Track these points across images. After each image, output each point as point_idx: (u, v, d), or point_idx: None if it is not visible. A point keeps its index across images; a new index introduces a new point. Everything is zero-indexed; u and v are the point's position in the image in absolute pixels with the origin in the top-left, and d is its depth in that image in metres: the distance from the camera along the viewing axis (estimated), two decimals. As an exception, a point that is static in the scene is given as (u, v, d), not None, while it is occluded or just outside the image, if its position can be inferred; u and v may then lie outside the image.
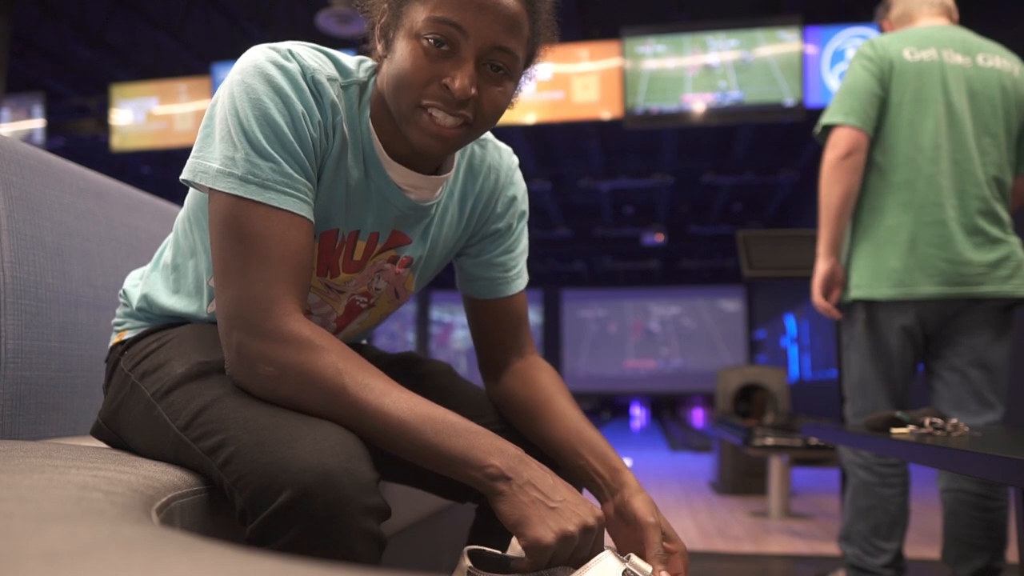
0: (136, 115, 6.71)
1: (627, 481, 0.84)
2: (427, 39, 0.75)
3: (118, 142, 6.78)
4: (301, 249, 0.75)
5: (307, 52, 0.80)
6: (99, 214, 1.23)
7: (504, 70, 0.79)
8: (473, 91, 0.76)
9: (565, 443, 0.88)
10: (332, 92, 0.80)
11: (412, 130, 0.79)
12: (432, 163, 0.88)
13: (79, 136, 7.57)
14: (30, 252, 1.06)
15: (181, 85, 6.65)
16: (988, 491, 1.71)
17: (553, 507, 0.68)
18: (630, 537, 0.81)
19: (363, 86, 0.84)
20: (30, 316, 1.05)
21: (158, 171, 9.05)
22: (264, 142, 0.74)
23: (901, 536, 1.82)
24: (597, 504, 0.78)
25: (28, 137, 7.03)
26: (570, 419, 0.90)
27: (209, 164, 0.75)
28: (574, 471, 0.87)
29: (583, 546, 0.69)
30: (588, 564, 0.66)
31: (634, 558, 0.69)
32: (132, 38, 6.70)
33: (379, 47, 0.82)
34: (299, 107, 0.76)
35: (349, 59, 0.85)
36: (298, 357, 0.71)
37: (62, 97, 7.59)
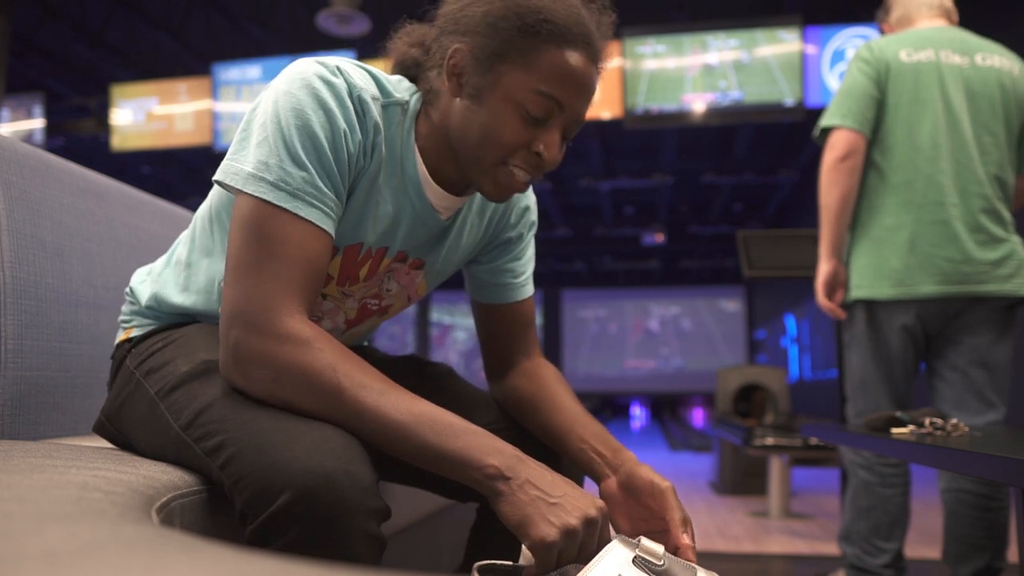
0: (136, 115, 6.71)
1: (629, 457, 0.85)
2: (528, 110, 0.80)
3: (118, 142, 6.78)
4: (317, 259, 0.76)
5: (354, 70, 0.80)
6: (99, 214, 1.23)
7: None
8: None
9: (567, 430, 0.90)
10: (375, 112, 0.81)
11: (487, 181, 0.84)
12: (465, 185, 0.90)
13: (79, 136, 7.57)
14: (30, 252, 1.06)
15: (181, 85, 6.65)
16: (989, 491, 1.71)
17: (553, 503, 0.68)
18: (640, 511, 0.81)
19: (404, 107, 0.85)
20: (30, 316, 1.05)
21: (158, 171, 9.02)
22: (301, 152, 0.75)
23: (901, 536, 1.82)
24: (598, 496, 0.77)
25: (28, 137, 7.03)
26: (571, 409, 0.92)
27: (242, 167, 0.75)
28: (575, 455, 0.88)
29: (588, 541, 0.68)
30: (596, 558, 0.64)
31: (644, 541, 0.66)
32: (132, 38, 6.70)
33: (448, 85, 0.83)
34: (342, 124, 0.77)
35: (389, 78, 0.86)
36: (295, 356, 0.71)
37: (62, 97, 7.59)
